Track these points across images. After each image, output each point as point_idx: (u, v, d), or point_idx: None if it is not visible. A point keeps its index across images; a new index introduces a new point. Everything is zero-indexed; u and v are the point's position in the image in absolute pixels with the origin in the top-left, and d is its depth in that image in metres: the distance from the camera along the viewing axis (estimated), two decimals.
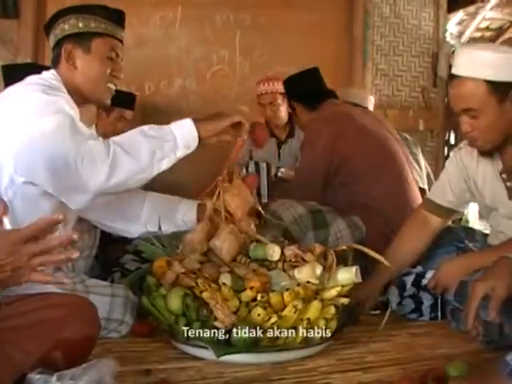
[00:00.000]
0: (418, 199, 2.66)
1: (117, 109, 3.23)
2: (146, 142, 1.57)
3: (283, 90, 3.38)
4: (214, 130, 1.67)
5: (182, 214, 1.94)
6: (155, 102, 3.78)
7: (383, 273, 2.07)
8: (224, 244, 1.76)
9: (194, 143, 1.64)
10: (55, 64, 1.78)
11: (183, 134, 1.61)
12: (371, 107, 3.56)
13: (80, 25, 1.74)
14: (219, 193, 1.83)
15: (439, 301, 2.05)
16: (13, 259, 0.97)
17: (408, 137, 3.61)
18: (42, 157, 1.51)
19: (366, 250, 1.90)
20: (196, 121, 1.64)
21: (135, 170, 1.56)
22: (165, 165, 1.61)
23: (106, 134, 3.28)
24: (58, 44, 1.77)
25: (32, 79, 1.71)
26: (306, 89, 2.80)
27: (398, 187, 2.61)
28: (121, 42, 1.82)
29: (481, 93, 1.74)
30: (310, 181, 2.65)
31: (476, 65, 1.73)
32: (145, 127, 1.62)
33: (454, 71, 1.81)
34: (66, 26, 1.74)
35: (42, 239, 1.00)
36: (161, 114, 3.83)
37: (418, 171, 3.61)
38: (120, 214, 1.93)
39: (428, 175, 3.62)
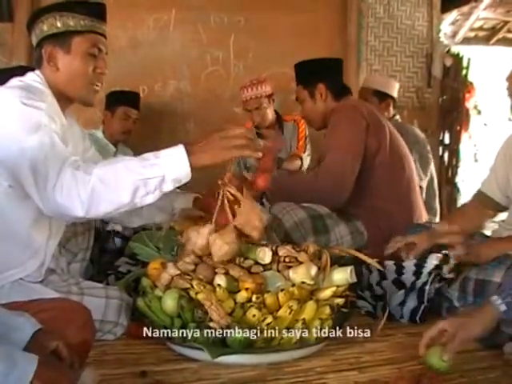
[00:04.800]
0: (422, 207, 2.64)
1: (121, 107, 3.29)
2: (129, 178, 1.47)
3: (268, 93, 3.38)
4: (210, 161, 1.52)
5: (179, 207, 1.93)
6: (150, 104, 3.78)
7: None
8: (224, 246, 1.71)
9: (186, 177, 1.51)
10: (38, 65, 1.74)
11: (173, 168, 1.48)
12: (395, 93, 3.53)
13: (58, 24, 1.70)
14: (223, 196, 1.77)
15: (422, 305, 2.02)
16: None
17: (419, 136, 3.53)
18: (23, 172, 1.48)
19: (360, 255, 1.91)
20: (189, 150, 1.49)
21: (115, 206, 1.50)
22: (149, 200, 1.51)
23: (112, 134, 3.39)
24: (39, 45, 1.74)
25: (13, 82, 1.67)
26: (339, 75, 2.71)
27: (407, 194, 2.56)
28: (103, 35, 1.77)
29: None
30: (346, 158, 2.41)
31: None
32: (132, 160, 1.52)
33: None
34: (45, 27, 1.71)
35: None
36: (155, 116, 3.83)
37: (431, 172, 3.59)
38: None
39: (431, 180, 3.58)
